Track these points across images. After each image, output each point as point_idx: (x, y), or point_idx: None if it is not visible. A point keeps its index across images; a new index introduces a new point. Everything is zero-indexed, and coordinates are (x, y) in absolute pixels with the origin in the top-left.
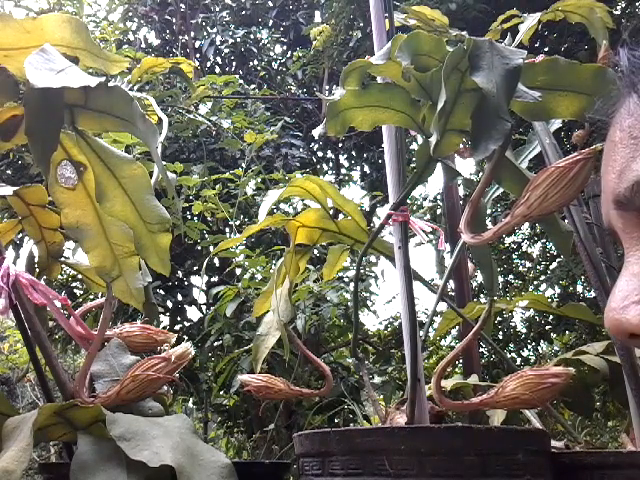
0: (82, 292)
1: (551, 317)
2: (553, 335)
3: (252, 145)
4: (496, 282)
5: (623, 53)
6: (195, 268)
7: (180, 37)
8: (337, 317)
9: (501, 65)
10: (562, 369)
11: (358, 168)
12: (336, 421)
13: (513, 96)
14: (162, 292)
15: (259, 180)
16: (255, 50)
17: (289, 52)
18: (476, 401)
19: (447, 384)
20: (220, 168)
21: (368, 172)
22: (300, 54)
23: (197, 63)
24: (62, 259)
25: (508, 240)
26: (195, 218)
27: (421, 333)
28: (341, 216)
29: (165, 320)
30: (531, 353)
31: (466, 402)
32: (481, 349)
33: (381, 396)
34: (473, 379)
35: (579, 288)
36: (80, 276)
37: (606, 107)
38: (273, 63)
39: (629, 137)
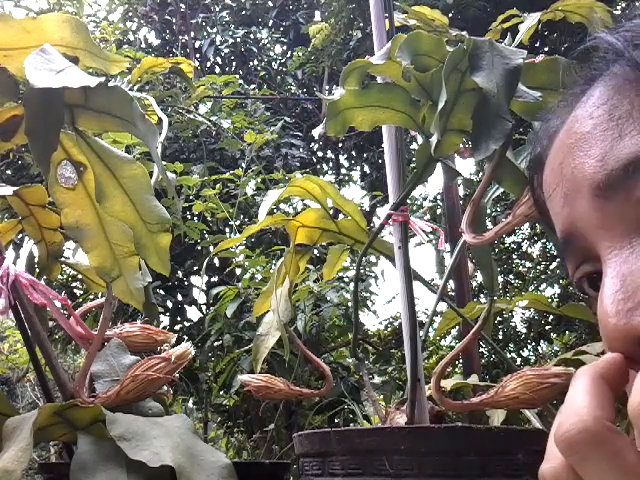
0: (82, 292)
1: (551, 317)
2: (553, 335)
3: (252, 145)
4: (496, 282)
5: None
6: (195, 268)
7: (180, 37)
8: (337, 317)
9: (501, 65)
10: (563, 369)
11: (358, 168)
12: (336, 421)
13: (513, 96)
14: (162, 292)
15: (259, 180)
16: (255, 50)
17: (289, 52)
18: (476, 401)
19: (447, 384)
20: (220, 168)
21: (368, 172)
22: (300, 53)
23: (197, 63)
24: (62, 259)
25: (508, 240)
26: (195, 218)
27: (421, 333)
28: (341, 216)
29: (165, 320)
30: (531, 353)
31: (466, 402)
32: (481, 349)
33: (381, 396)
34: (473, 379)
35: None
36: (80, 276)
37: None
38: (273, 63)
39: (608, 120)
